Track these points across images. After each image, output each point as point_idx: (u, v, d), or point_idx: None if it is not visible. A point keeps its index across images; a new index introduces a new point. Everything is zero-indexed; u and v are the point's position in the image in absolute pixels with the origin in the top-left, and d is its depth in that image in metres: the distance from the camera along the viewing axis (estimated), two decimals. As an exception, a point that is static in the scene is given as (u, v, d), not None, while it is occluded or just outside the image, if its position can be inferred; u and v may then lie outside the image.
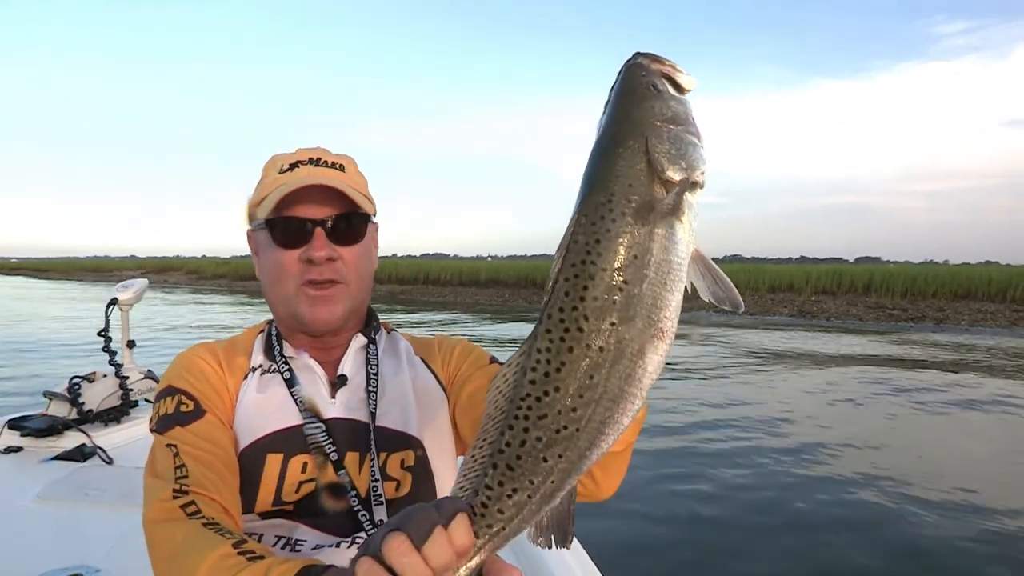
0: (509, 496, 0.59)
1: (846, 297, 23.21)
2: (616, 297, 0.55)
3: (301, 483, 1.00)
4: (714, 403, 7.68)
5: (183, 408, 1.00)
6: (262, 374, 1.08)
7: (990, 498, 4.74)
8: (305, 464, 1.01)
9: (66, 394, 2.87)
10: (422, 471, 1.06)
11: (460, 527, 0.58)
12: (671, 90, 0.61)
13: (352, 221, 1.04)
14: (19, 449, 2.71)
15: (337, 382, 1.08)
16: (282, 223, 1.02)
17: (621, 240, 0.56)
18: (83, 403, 2.87)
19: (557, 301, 0.57)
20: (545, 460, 0.58)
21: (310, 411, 1.04)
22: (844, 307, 21.51)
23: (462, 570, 0.61)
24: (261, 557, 0.82)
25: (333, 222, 1.02)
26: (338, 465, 1.01)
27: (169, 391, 1.03)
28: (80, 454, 2.65)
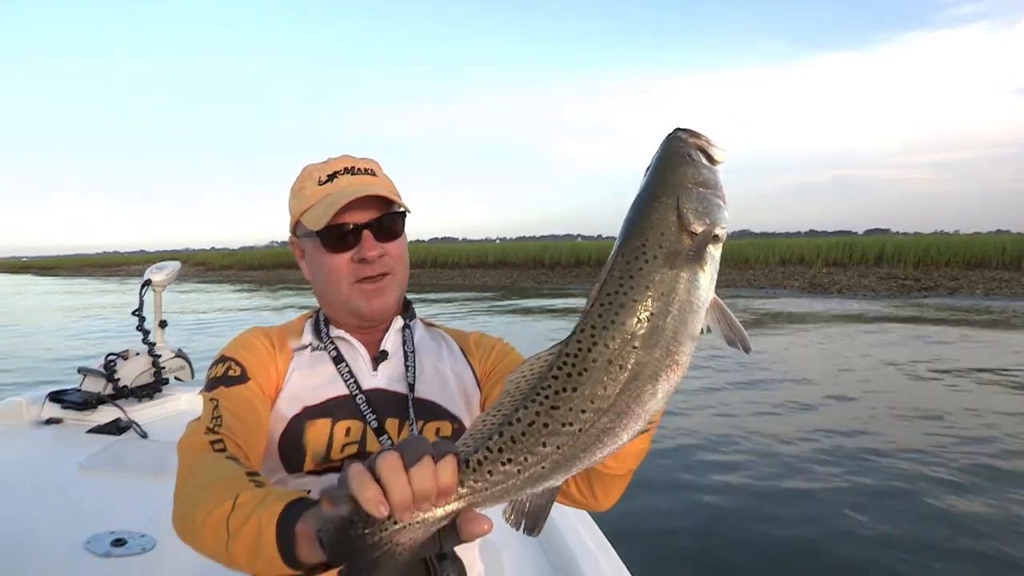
0: (503, 464, 0.66)
1: (857, 269, 23.13)
2: (642, 326, 0.65)
3: (345, 445, 1.11)
4: (730, 382, 7.54)
5: (231, 373, 1.13)
6: (312, 351, 1.21)
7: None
8: (349, 428, 1.12)
9: (102, 370, 3.06)
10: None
11: (447, 466, 0.63)
12: (704, 160, 0.70)
13: (393, 219, 1.16)
14: (59, 421, 2.92)
15: (379, 357, 1.20)
16: (334, 230, 1.12)
17: (651, 278, 0.65)
18: (118, 379, 3.07)
19: (591, 319, 0.66)
20: (544, 445, 0.66)
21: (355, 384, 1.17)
22: (856, 279, 21.47)
23: (438, 509, 0.66)
24: (263, 485, 0.94)
25: (378, 223, 1.14)
26: (380, 431, 1.12)
27: (222, 360, 1.16)
28: (116, 428, 2.84)
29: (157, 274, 3.27)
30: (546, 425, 0.65)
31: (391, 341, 1.22)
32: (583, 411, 0.65)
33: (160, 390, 3.23)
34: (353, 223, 1.12)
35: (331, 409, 1.13)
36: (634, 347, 0.64)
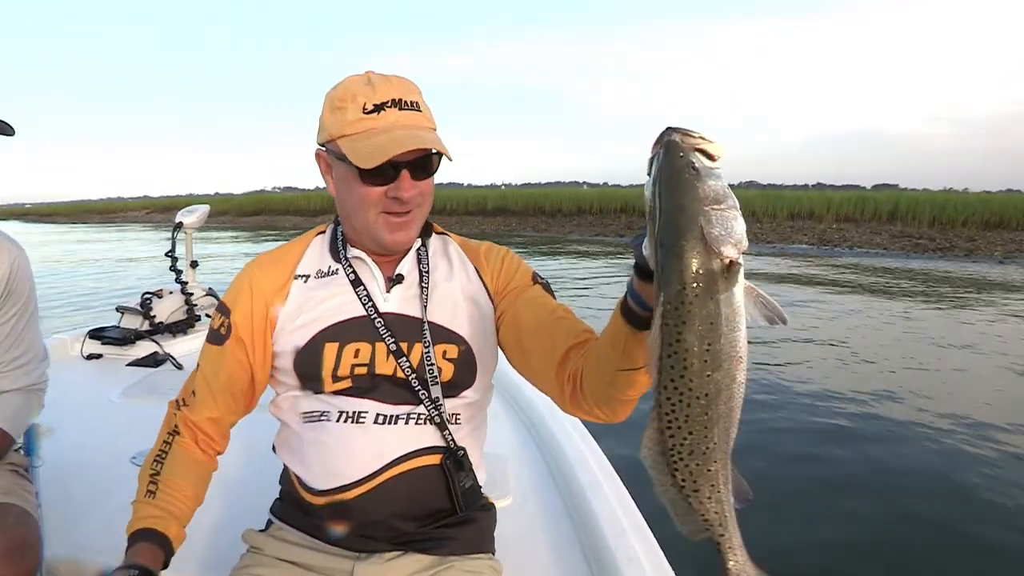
0: (708, 499, 0.81)
1: (869, 225, 23.15)
2: (706, 358, 0.74)
3: (355, 366, 1.18)
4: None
5: (221, 329, 1.24)
6: (319, 277, 1.24)
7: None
8: (358, 350, 1.18)
9: (138, 308, 3.37)
10: (463, 363, 1.21)
11: None
12: (707, 164, 0.74)
13: (431, 159, 1.16)
14: (99, 356, 3.23)
15: (394, 279, 1.24)
16: (375, 168, 1.11)
17: (698, 315, 0.73)
18: (154, 316, 3.38)
19: (667, 374, 0.76)
20: (709, 470, 0.80)
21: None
22: (868, 236, 21.39)
23: None
24: (153, 494, 1.18)
25: (417, 163, 1.14)
26: (398, 353, 1.18)
27: (220, 308, 1.26)
28: (154, 361, 3.15)
29: (188, 217, 3.55)
30: (698, 465, 0.80)
31: (408, 264, 1.26)
32: (705, 438, 0.79)
33: (193, 325, 3.54)
34: (394, 161, 1.11)
35: (345, 331, 1.19)
36: (708, 375, 0.75)
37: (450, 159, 1.17)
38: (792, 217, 25.02)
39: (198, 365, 1.28)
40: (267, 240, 22.83)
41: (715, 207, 0.73)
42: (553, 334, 1.10)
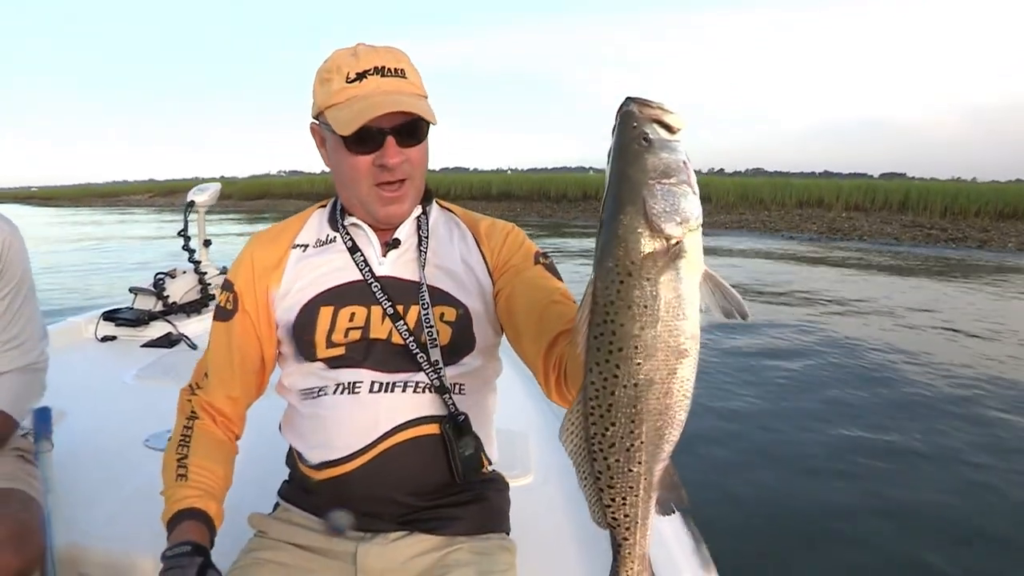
0: (623, 501, 0.78)
1: (879, 215, 23.02)
2: (636, 344, 0.69)
3: (348, 329, 1.18)
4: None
5: (227, 305, 1.26)
6: (317, 246, 1.26)
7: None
8: (353, 314, 1.19)
9: (152, 289, 3.39)
10: (462, 327, 1.21)
11: None
12: (664, 135, 0.71)
13: (417, 125, 1.16)
14: (114, 338, 3.26)
15: (391, 244, 1.25)
16: (357, 134, 1.12)
17: (630, 296, 0.69)
18: (167, 296, 3.40)
19: (592, 356, 0.72)
20: (631, 470, 0.75)
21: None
22: (878, 225, 21.31)
23: None
24: (184, 477, 1.18)
25: (402, 129, 1.14)
26: (395, 316, 1.18)
27: (225, 285, 1.28)
28: (168, 341, 3.17)
29: (200, 195, 3.57)
30: (618, 461, 0.75)
31: (405, 231, 1.26)
32: (631, 432, 0.74)
33: (207, 305, 3.56)
34: (377, 127, 1.12)
35: (340, 295, 1.20)
36: (638, 364, 0.70)
37: (433, 123, 1.17)
38: (801, 205, 24.89)
39: (208, 347, 1.29)
40: (269, 223, 22.53)
41: (664, 180, 0.70)
42: (543, 319, 1.08)
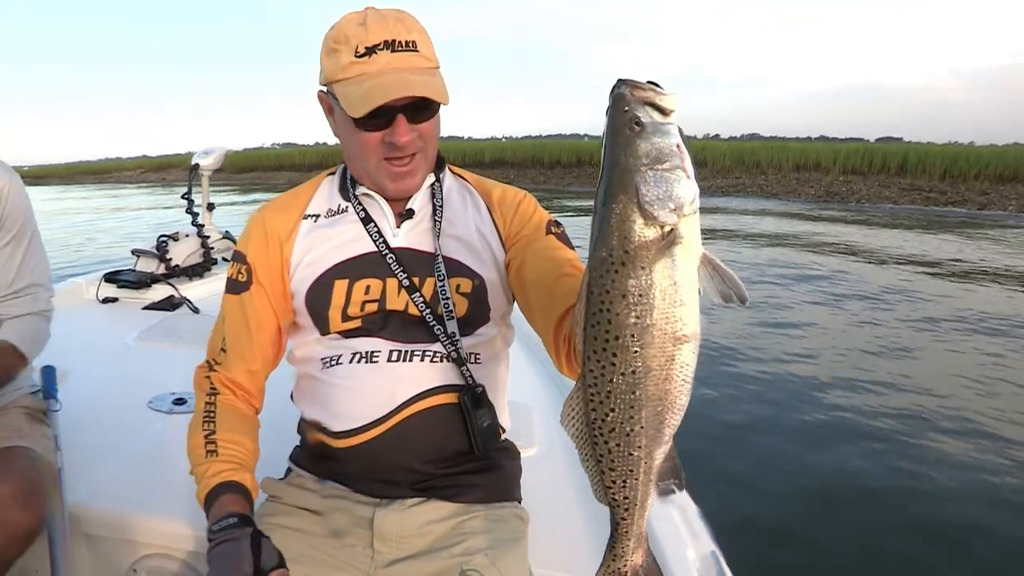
0: (624, 484, 0.79)
1: (877, 178, 22.94)
2: (633, 332, 0.70)
3: (364, 302, 1.18)
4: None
5: (240, 277, 1.24)
6: (329, 216, 1.25)
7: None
8: (368, 287, 1.18)
9: (154, 251, 3.39)
10: (477, 298, 1.21)
11: None
12: (657, 118, 0.70)
13: (429, 102, 1.12)
14: (115, 300, 3.26)
15: (404, 215, 1.23)
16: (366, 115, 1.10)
17: (625, 286, 0.69)
18: (170, 259, 3.40)
19: (590, 344, 0.73)
20: (631, 454, 0.76)
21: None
22: (876, 189, 21.29)
23: None
24: (215, 452, 1.16)
25: (413, 106, 1.11)
26: (411, 288, 1.18)
27: (236, 256, 1.26)
28: (170, 304, 3.17)
29: (204, 159, 3.53)
30: (618, 445, 0.77)
31: (419, 200, 1.24)
32: (631, 417, 0.74)
33: (209, 269, 3.57)
34: (388, 105, 1.09)
35: (354, 267, 1.20)
36: (635, 352, 0.71)
37: (444, 103, 1.13)
38: (798, 169, 24.83)
39: (222, 320, 1.27)
40: (260, 193, 22.70)
41: (656, 166, 0.69)
42: (553, 291, 1.07)
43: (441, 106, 1.16)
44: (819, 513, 3.26)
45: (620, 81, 0.71)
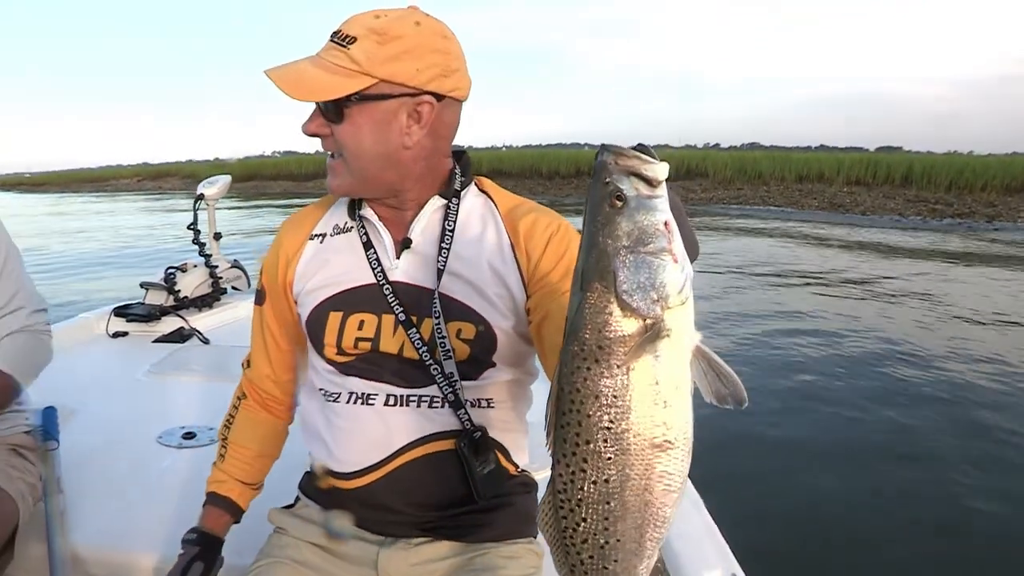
0: None
1: (881, 189, 22.94)
2: (606, 438, 0.63)
3: (358, 340, 1.14)
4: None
5: (261, 289, 1.29)
6: (335, 234, 1.21)
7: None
8: (362, 322, 1.14)
9: (162, 283, 3.42)
10: (480, 345, 1.12)
11: None
12: (643, 191, 0.63)
13: (340, 105, 1.04)
14: (125, 334, 3.30)
15: (403, 243, 1.15)
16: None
17: (597, 386, 0.62)
18: (179, 291, 3.43)
19: (559, 446, 0.65)
20: (606, 568, 0.69)
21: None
22: (881, 200, 21.27)
23: None
24: (223, 457, 1.32)
25: (326, 104, 1.05)
26: (407, 324, 1.11)
27: (261, 268, 1.30)
28: (180, 336, 3.23)
29: (209, 188, 3.59)
30: (591, 557, 0.69)
31: (420, 227, 1.15)
32: (606, 529, 0.67)
33: (219, 299, 3.63)
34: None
35: (350, 299, 1.16)
36: (609, 459, 0.64)
37: (300, 99, 1.03)
38: (800, 179, 24.75)
39: (252, 327, 1.36)
40: (260, 207, 22.77)
41: (639, 248, 0.62)
42: None
43: (380, 120, 1.04)
44: (849, 535, 3.25)
45: (603, 147, 0.64)
